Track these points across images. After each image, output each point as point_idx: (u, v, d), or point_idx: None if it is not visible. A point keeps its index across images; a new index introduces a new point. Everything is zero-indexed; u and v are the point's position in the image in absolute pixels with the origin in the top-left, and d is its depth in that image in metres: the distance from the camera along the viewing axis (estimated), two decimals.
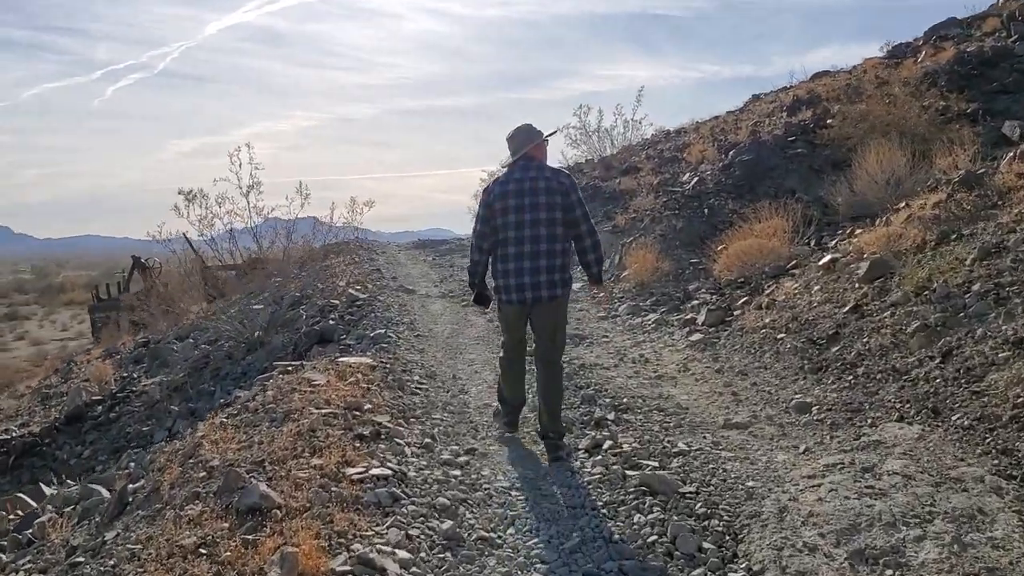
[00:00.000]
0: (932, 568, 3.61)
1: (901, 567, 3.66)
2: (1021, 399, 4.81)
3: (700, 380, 7.32)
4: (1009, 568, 3.55)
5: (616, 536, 4.30)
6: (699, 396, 6.83)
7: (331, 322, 10.59)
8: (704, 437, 5.70)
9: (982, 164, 8.93)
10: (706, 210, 13.38)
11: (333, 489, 4.65)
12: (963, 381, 5.36)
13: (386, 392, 6.90)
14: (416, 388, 7.31)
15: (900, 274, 7.18)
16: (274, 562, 3.81)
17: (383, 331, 9.61)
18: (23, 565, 5.32)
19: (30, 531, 6.00)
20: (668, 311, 10.16)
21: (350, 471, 4.91)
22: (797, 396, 6.32)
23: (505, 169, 5.82)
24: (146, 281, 25.60)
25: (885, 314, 6.74)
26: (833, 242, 9.69)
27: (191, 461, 5.49)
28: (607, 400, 6.70)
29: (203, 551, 4.09)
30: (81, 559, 4.79)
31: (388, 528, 4.28)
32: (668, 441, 5.59)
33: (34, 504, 7.20)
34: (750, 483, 4.79)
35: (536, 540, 4.33)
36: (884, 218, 8.88)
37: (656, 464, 5.14)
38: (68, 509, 6.24)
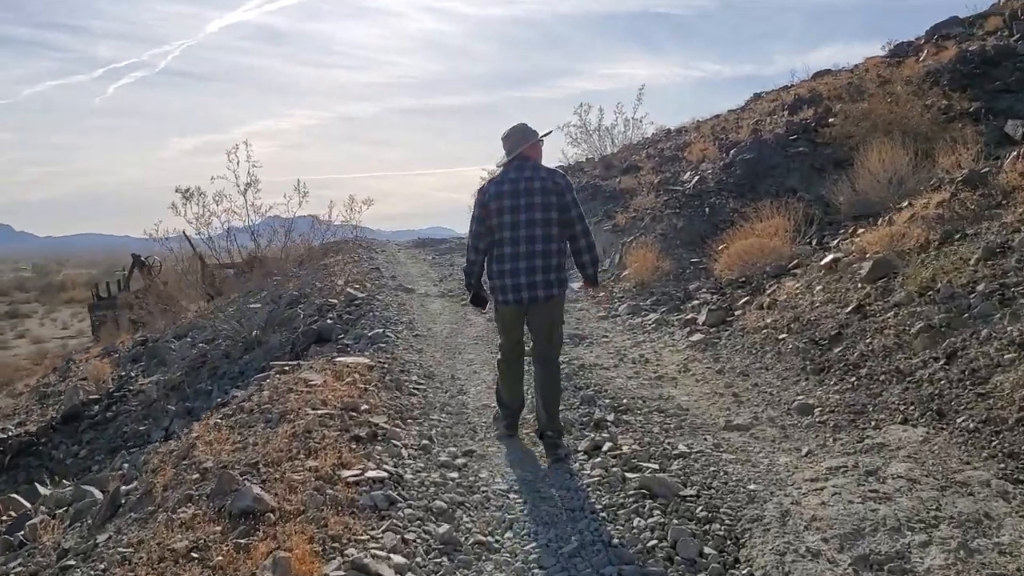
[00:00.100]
0: (938, 575, 3.54)
1: (906, 573, 3.59)
2: None
3: (701, 381, 7.24)
4: (1017, 575, 3.48)
5: (615, 540, 4.23)
6: (700, 397, 6.75)
7: (329, 321, 10.52)
8: (705, 439, 5.62)
9: (985, 163, 8.87)
10: (707, 209, 13.30)
11: (328, 492, 4.57)
12: (968, 383, 5.29)
13: (383, 393, 6.82)
14: (414, 388, 7.23)
15: (903, 274, 7.10)
16: (266, 567, 3.74)
17: (381, 330, 9.54)
18: (14, 568, 5.25)
19: (22, 533, 5.92)
20: (668, 311, 10.08)
21: (346, 473, 4.84)
22: (799, 397, 6.24)
23: (500, 169, 5.78)
24: (146, 279, 25.56)
25: (888, 314, 6.67)
26: (835, 241, 9.62)
27: (185, 463, 5.42)
28: (607, 401, 6.61)
29: (195, 555, 4.02)
30: (72, 562, 4.71)
31: (383, 532, 4.20)
32: (668, 443, 5.52)
33: (28, 505, 7.13)
34: (752, 486, 4.72)
35: (534, 544, 4.26)
36: (887, 217, 8.81)
37: (656, 466, 5.07)
38: (61, 511, 6.18)
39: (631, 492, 4.72)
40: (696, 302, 9.93)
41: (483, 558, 4.15)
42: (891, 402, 5.60)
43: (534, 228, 5.47)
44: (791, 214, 10.67)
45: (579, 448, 5.62)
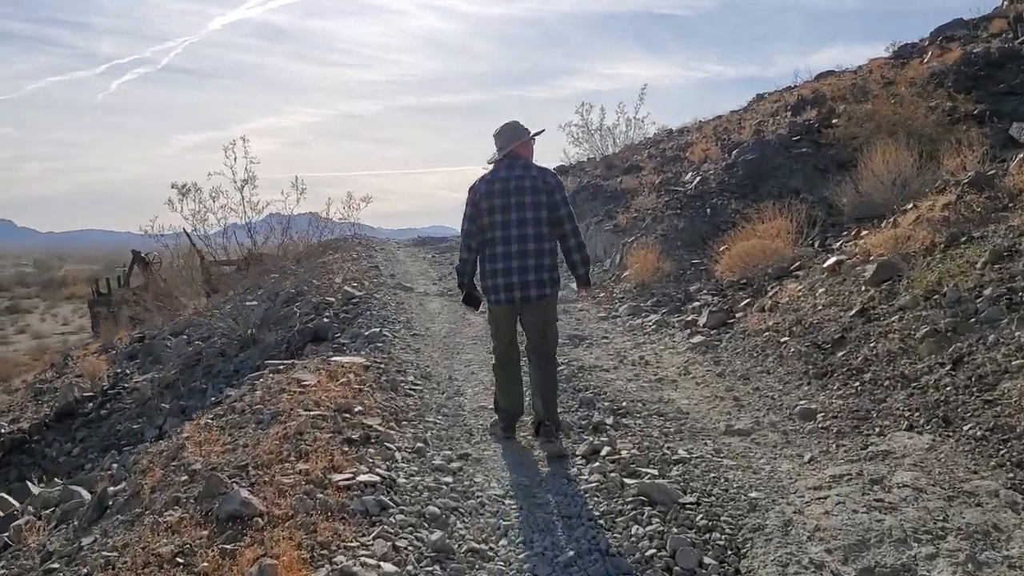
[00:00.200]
0: None
1: None
2: None
3: (701, 384, 7.12)
4: None
5: (613, 549, 4.10)
6: (700, 400, 6.63)
7: (326, 320, 10.40)
8: (705, 444, 5.51)
9: (991, 165, 8.75)
10: (708, 210, 13.18)
11: (318, 496, 4.46)
12: (975, 389, 5.16)
13: (378, 393, 6.71)
14: (410, 389, 7.11)
15: (908, 277, 6.98)
16: (252, 574, 3.63)
17: (378, 329, 9.42)
18: None
19: (7, 534, 5.81)
20: (669, 312, 9.96)
21: (337, 477, 4.73)
22: (801, 402, 6.12)
23: (491, 166, 5.72)
24: (146, 276, 25.45)
25: (893, 318, 6.54)
26: (838, 243, 9.50)
27: (174, 464, 5.31)
28: (606, 404, 6.49)
29: (180, 560, 3.91)
30: (56, 566, 4.61)
31: (374, 539, 4.09)
32: (668, 448, 5.40)
33: (16, 504, 7.02)
34: (753, 494, 4.60)
35: (529, 552, 4.14)
36: (891, 219, 8.69)
37: (655, 472, 4.94)
38: (48, 511, 6.06)
39: (630, 499, 4.60)
40: (697, 304, 9.82)
41: (476, 567, 4.02)
42: (896, 408, 5.48)
43: (525, 227, 5.45)
44: (794, 215, 10.55)
45: (577, 452, 5.50)
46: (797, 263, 9.35)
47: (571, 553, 4.07)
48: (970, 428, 4.84)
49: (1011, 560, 3.56)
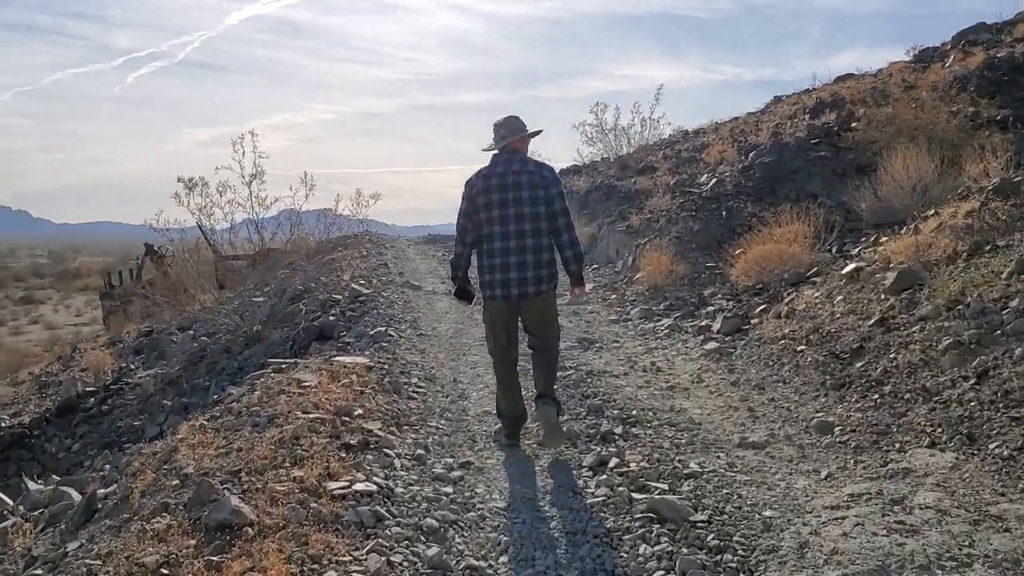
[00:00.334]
0: None
1: None
2: None
3: (714, 393, 6.90)
4: None
5: (619, 570, 3.90)
6: (713, 410, 6.42)
7: (331, 318, 10.23)
8: (718, 457, 5.28)
9: (1016, 172, 8.49)
10: (724, 212, 12.95)
11: (312, 505, 4.28)
12: (1001, 405, 4.93)
13: (380, 396, 6.51)
14: (413, 392, 6.92)
15: (930, 286, 6.74)
16: None
17: (384, 329, 9.24)
18: None
19: None
20: (682, 317, 9.74)
21: (332, 485, 4.54)
22: (818, 414, 5.90)
23: (490, 155, 5.69)
24: (158, 269, 25.36)
25: (914, 329, 6.31)
26: (856, 249, 9.27)
27: (166, 467, 5.14)
28: (615, 412, 6.27)
29: (164, 572, 3.74)
30: (39, 572, 4.45)
31: (367, 553, 3.89)
32: (679, 461, 5.17)
33: (10, 503, 6.86)
34: (767, 512, 4.38)
35: (531, 571, 3.93)
36: (912, 226, 8.44)
37: (665, 487, 4.73)
38: (36, 513, 5.89)
39: (638, 515, 4.38)
40: (711, 308, 9.59)
41: None
42: (917, 423, 5.24)
43: (523, 223, 5.43)
44: (811, 220, 10.31)
45: (584, 463, 5.29)
46: (814, 269, 9.12)
47: (575, 573, 3.88)
48: (996, 447, 4.61)
49: None
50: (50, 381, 16.19)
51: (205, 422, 5.88)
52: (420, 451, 5.44)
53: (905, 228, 8.61)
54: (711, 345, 8.24)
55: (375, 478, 4.74)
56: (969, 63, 14.96)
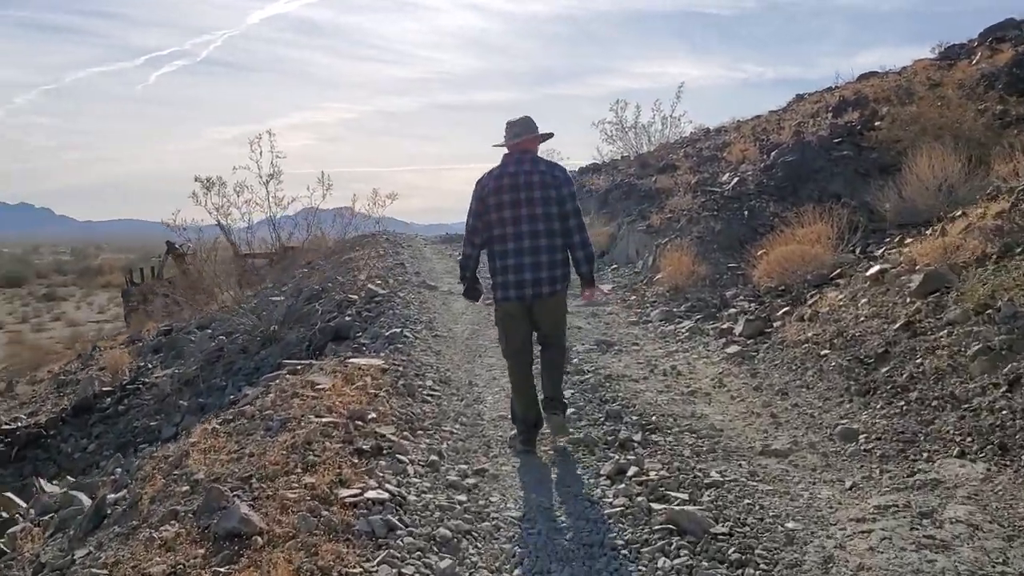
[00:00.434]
0: None
1: None
2: None
3: (736, 398, 6.75)
4: None
5: None
6: (735, 416, 6.27)
7: (347, 318, 10.14)
8: (739, 465, 5.15)
9: None
10: (746, 212, 12.77)
11: (323, 513, 4.17)
12: None
13: (394, 399, 6.41)
14: (428, 395, 6.82)
15: (958, 289, 6.56)
16: None
17: (399, 330, 9.13)
18: None
19: (2, 540, 5.58)
20: (703, 319, 9.59)
21: (344, 493, 4.43)
22: (842, 421, 5.74)
23: (500, 155, 5.69)
24: (179, 267, 25.41)
25: (941, 333, 6.13)
26: (880, 251, 9.08)
27: (176, 472, 5.06)
28: (634, 418, 6.14)
29: None
30: None
31: (378, 564, 3.79)
32: (700, 469, 5.03)
33: (22, 504, 6.81)
34: (790, 524, 4.24)
35: None
36: (939, 227, 8.25)
37: (685, 497, 4.59)
38: (46, 517, 5.83)
39: (657, 527, 4.25)
40: (733, 310, 9.43)
41: None
42: (945, 431, 5.08)
43: (537, 223, 5.40)
44: (834, 220, 10.12)
45: (602, 471, 5.17)
46: (838, 270, 8.94)
47: None
48: None
49: None
50: (68, 380, 16.20)
51: (218, 426, 5.79)
52: (434, 457, 5.34)
53: (931, 229, 8.42)
54: (733, 348, 8.09)
55: (387, 485, 4.64)
56: (997, 60, 14.69)
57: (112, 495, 5.36)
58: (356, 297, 11.31)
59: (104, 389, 12.49)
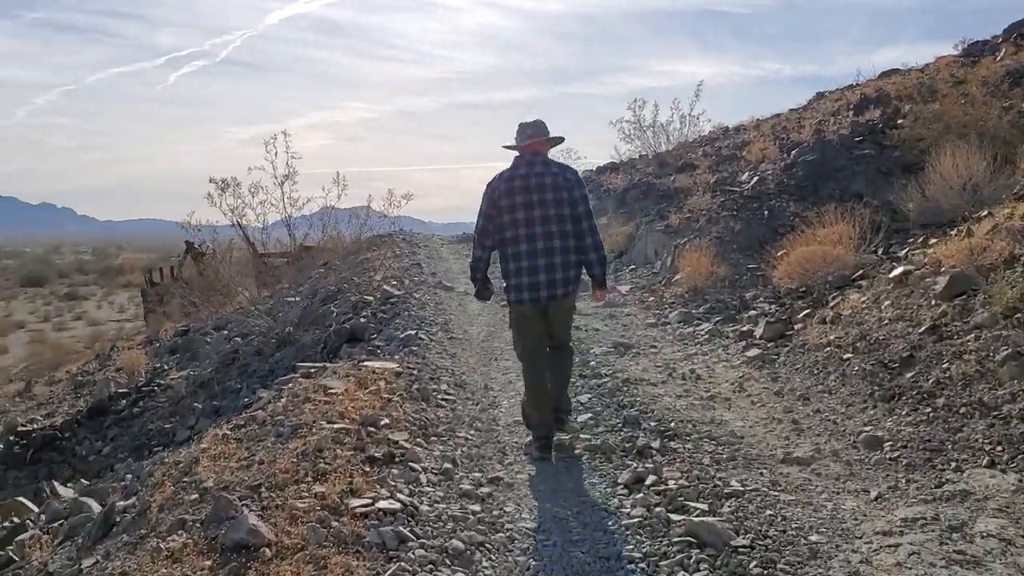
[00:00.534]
0: None
1: None
2: None
3: (757, 403, 6.61)
4: None
5: None
6: (755, 422, 6.13)
7: (363, 320, 10.06)
8: (761, 474, 5.01)
9: None
10: (766, 212, 12.60)
11: (333, 524, 4.07)
12: None
13: (408, 404, 6.30)
14: (442, 400, 6.71)
15: (985, 292, 6.38)
16: None
17: (414, 332, 9.04)
18: None
19: (11, 548, 5.52)
20: (723, 321, 9.43)
21: (354, 503, 4.33)
22: (866, 428, 5.59)
23: (512, 153, 5.69)
24: (198, 267, 25.45)
25: (968, 337, 5.96)
26: (903, 251, 8.89)
27: (185, 480, 4.97)
28: (652, 424, 6.01)
29: None
30: None
31: None
32: (720, 478, 4.89)
33: (35, 508, 6.75)
34: (814, 537, 4.10)
35: None
36: (964, 228, 8.06)
37: (705, 507, 4.46)
38: (56, 524, 5.76)
39: (676, 539, 4.12)
40: (753, 312, 9.27)
41: None
42: (974, 440, 4.93)
43: (550, 224, 5.39)
44: (856, 220, 9.94)
45: (619, 480, 5.04)
46: (860, 272, 8.76)
47: None
48: None
49: None
50: (86, 381, 16.23)
51: (228, 431, 5.70)
52: (448, 465, 5.22)
53: (956, 230, 8.24)
54: (753, 352, 7.94)
55: (399, 495, 4.53)
56: (1022, 57, 14.45)
57: (122, 502, 5.28)
58: (371, 298, 11.23)
59: (119, 391, 12.46)
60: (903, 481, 4.73)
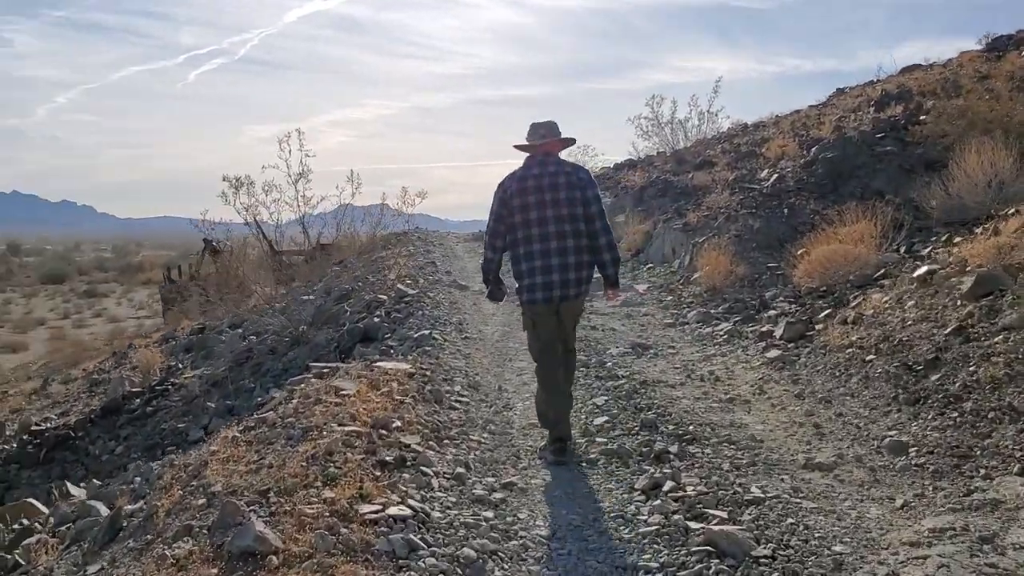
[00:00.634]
0: None
1: None
2: None
3: (777, 406, 6.46)
4: None
5: None
6: (776, 426, 5.99)
7: (376, 319, 9.96)
8: (782, 480, 4.87)
9: None
10: (786, 210, 12.43)
11: (342, 531, 3.95)
12: None
13: (421, 406, 6.19)
14: (455, 402, 6.60)
15: (1014, 292, 6.21)
16: None
17: (428, 332, 8.93)
18: None
19: (17, 552, 5.44)
20: (742, 321, 9.27)
21: (364, 509, 4.21)
22: (891, 433, 5.44)
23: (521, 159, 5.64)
24: (216, 264, 25.46)
25: (996, 339, 5.79)
26: (927, 250, 8.71)
27: (193, 483, 4.88)
28: (670, 427, 5.87)
29: None
30: None
31: None
32: (740, 484, 4.75)
33: (44, 510, 6.69)
34: (837, 547, 3.96)
35: None
36: (991, 226, 7.88)
37: (725, 515, 4.32)
38: (64, 528, 5.68)
39: (694, 548, 3.98)
40: (773, 312, 9.10)
41: None
42: (1003, 446, 4.77)
43: (563, 223, 5.35)
44: (878, 218, 9.76)
45: (636, 486, 4.91)
46: (882, 271, 8.59)
47: None
48: None
49: None
50: (101, 379, 16.20)
51: (238, 433, 5.61)
52: (460, 469, 5.11)
53: (982, 228, 8.07)
54: (773, 353, 7.78)
55: (411, 500, 4.41)
56: None
57: (129, 506, 5.20)
58: (385, 297, 11.13)
59: (133, 390, 12.41)
60: (930, 489, 4.58)
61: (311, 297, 12.99)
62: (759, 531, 4.14)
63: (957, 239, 8.23)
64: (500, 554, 4.06)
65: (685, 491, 4.67)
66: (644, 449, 5.52)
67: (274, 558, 3.73)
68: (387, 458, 4.91)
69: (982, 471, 4.61)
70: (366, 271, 14.17)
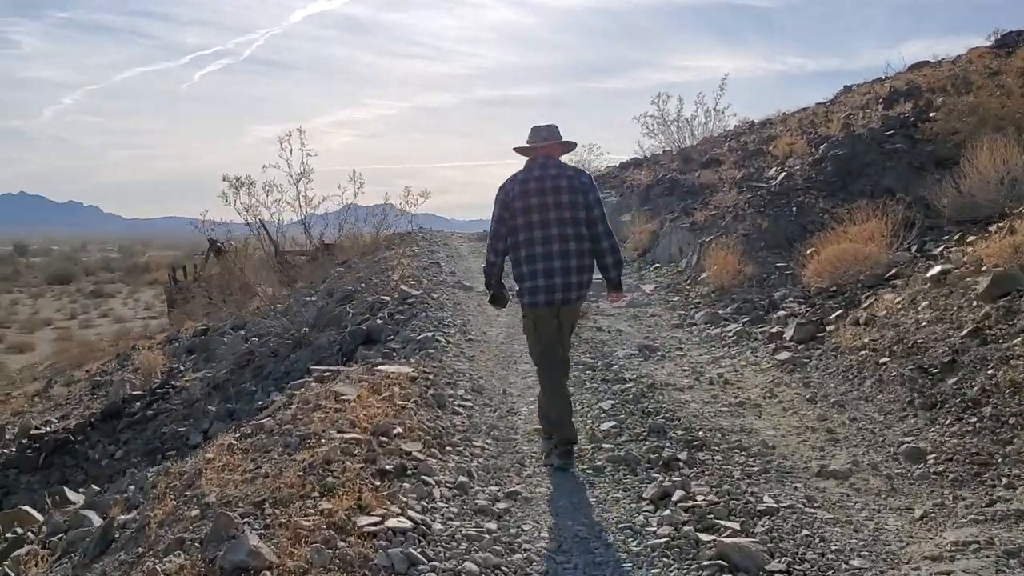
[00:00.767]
0: None
1: None
2: None
3: (789, 410, 6.29)
4: None
5: None
6: (788, 431, 5.82)
7: (379, 321, 9.81)
8: (795, 488, 4.71)
9: None
10: (794, 208, 12.25)
11: (339, 545, 3.80)
12: None
13: (423, 411, 6.04)
14: (459, 406, 6.44)
15: None
16: None
17: (431, 334, 8.77)
18: None
19: (7, 563, 5.30)
20: (751, 321, 9.10)
21: (363, 521, 4.05)
22: (907, 439, 5.27)
23: (523, 153, 5.60)
24: (221, 265, 25.34)
25: (1015, 341, 5.62)
26: (939, 249, 8.53)
27: (188, 493, 4.73)
28: (679, 433, 5.70)
29: None
30: None
31: None
32: (752, 493, 4.59)
33: (39, 517, 6.55)
34: (855, 561, 3.79)
35: None
36: (1006, 225, 7.70)
37: (737, 526, 4.15)
38: (55, 539, 5.54)
39: (706, 562, 3.82)
40: (782, 313, 8.93)
41: None
42: None
43: (565, 227, 5.29)
44: (888, 216, 9.58)
45: (645, 495, 4.75)
46: (893, 270, 8.41)
47: None
48: None
49: None
50: (103, 381, 16.07)
51: (234, 441, 5.46)
52: (463, 478, 4.94)
53: (997, 226, 7.88)
54: (783, 355, 7.60)
55: (411, 512, 4.25)
56: None
57: (122, 516, 5.05)
58: (388, 299, 10.98)
59: (134, 393, 12.27)
60: (950, 498, 4.42)
61: (314, 298, 12.84)
62: (773, 543, 3.98)
63: (971, 238, 8.06)
64: (503, 568, 3.90)
65: (695, 500, 4.51)
66: (652, 455, 5.36)
67: (268, 573, 3.58)
68: (387, 467, 4.76)
69: (1004, 480, 4.45)
70: (369, 272, 14.02)
